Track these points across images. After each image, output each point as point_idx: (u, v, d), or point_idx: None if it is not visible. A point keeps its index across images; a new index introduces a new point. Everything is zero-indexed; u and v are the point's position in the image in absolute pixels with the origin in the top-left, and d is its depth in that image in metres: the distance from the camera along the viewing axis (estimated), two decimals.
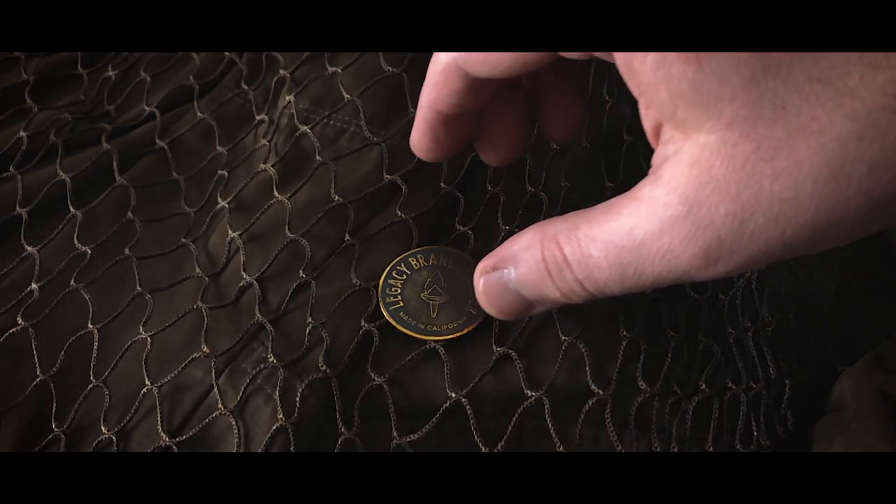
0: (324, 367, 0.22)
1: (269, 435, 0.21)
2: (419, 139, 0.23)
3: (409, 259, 0.25)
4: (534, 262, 0.19)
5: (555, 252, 0.19)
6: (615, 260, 0.18)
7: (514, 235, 0.20)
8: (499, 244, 0.21)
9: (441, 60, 0.21)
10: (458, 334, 0.23)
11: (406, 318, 0.23)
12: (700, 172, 0.16)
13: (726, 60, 0.16)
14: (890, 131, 0.15)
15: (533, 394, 0.22)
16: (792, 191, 0.16)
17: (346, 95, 0.28)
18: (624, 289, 0.18)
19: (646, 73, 0.16)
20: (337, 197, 0.25)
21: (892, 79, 0.15)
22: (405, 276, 0.24)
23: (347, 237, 0.25)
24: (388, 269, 0.24)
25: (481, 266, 0.21)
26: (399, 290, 0.24)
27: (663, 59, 0.16)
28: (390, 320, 0.23)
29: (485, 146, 0.24)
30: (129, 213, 0.27)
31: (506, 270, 0.20)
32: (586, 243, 0.18)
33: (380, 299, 0.24)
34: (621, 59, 0.17)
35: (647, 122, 0.18)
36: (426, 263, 0.25)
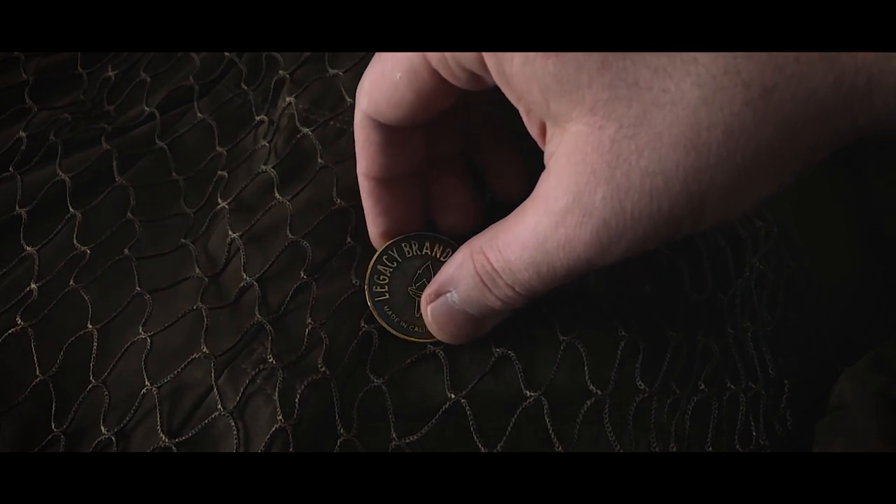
0: (323, 368, 0.22)
1: (268, 436, 0.21)
2: (374, 221, 0.23)
3: (402, 244, 0.24)
4: (470, 277, 0.20)
5: (484, 263, 0.20)
6: (530, 260, 0.18)
7: (449, 258, 0.21)
8: None
9: (356, 119, 0.21)
10: (436, 339, 0.23)
11: (390, 312, 0.23)
12: (576, 161, 0.17)
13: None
14: (737, 94, 0.15)
15: (532, 394, 0.22)
16: (657, 164, 0.16)
17: (348, 99, 0.28)
18: (546, 286, 0.19)
19: (515, 75, 0.17)
20: (339, 200, 0.25)
21: None
22: (395, 265, 0.24)
23: (349, 240, 0.25)
24: (378, 253, 0.24)
25: (425, 296, 0.22)
26: (387, 280, 0.23)
27: (527, 58, 0.17)
28: (374, 313, 0.23)
29: (441, 217, 0.24)
30: (129, 214, 0.27)
31: (448, 294, 0.21)
32: (504, 249, 0.19)
33: (366, 287, 0.23)
34: (495, 70, 0.18)
35: (532, 128, 0.19)
36: (419, 252, 0.24)
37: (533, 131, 0.19)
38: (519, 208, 0.19)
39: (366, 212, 0.23)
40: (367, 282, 0.23)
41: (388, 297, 0.23)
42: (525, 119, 0.19)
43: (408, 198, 0.23)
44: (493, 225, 0.20)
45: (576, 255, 0.18)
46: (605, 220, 0.17)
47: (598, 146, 0.16)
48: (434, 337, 0.23)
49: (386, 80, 0.20)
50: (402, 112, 0.20)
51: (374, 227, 0.23)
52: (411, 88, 0.19)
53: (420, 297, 0.23)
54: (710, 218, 0.17)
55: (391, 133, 0.21)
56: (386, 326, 0.23)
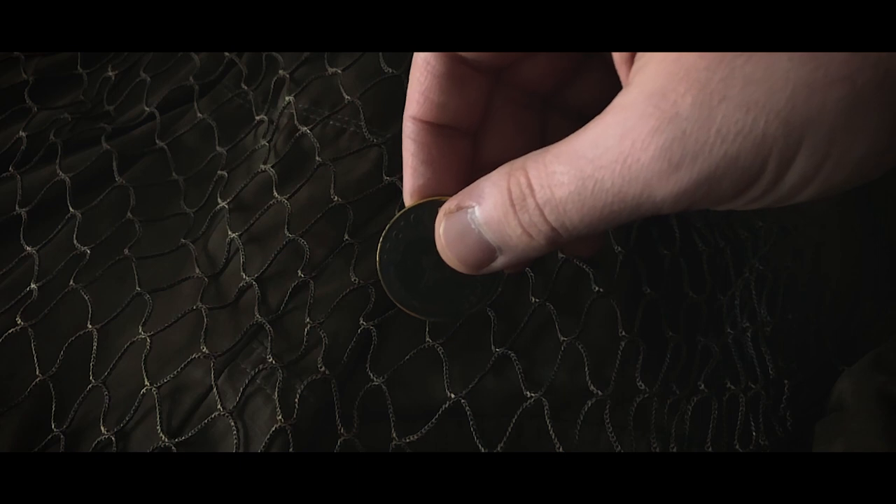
0: (322, 368, 0.22)
1: (268, 436, 0.21)
2: (413, 172, 0.20)
3: (437, 207, 0.20)
4: (498, 193, 0.18)
5: (520, 179, 0.17)
6: (577, 173, 0.16)
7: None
8: None
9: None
10: (433, 320, 0.21)
11: (394, 275, 0.21)
12: (669, 64, 0.15)
13: None
14: None
15: (532, 395, 0.22)
16: (764, 71, 0.14)
17: (346, 96, 0.28)
18: (584, 213, 0.16)
19: None
20: (336, 197, 0.25)
21: None
22: (420, 226, 0.21)
23: (347, 237, 0.25)
24: (405, 209, 0.21)
25: (445, 207, 0.19)
26: (406, 241, 0.21)
27: None
28: (378, 271, 0.21)
29: None
30: (129, 214, 0.27)
31: (470, 210, 0.18)
32: (551, 161, 0.16)
33: (380, 239, 0.21)
34: None
35: (620, 55, 0.16)
36: None
37: (619, 59, 0.16)
38: (583, 127, 0.16)
39: (404, 161, 0.20)
40: (382, 235, 0.21)
41: (400, 258, 0.21)
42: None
43: (455, 154, 0.20)
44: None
45: (633, 175, 0.15)
46: (684, 131, 0.14)
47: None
48: (433, 314, 0.21)
49: None
50: None
51: (412, 178, 0.20)
52: None
53: (435, 271, 0.21)
54: (798, 169, 0.14)
55: (455, 65, 0.19)
56: (385, 288, 0.21)
